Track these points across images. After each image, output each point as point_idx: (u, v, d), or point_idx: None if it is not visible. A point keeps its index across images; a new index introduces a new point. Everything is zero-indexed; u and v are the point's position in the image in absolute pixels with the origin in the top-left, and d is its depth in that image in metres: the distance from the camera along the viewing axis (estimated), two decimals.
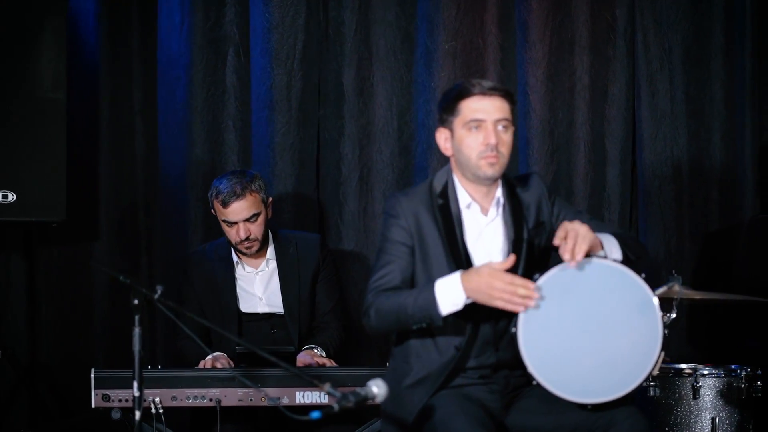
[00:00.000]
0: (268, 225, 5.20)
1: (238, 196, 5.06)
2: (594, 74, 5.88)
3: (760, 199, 5.85)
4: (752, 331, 5.29)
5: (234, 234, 5.11)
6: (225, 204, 5.07)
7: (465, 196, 3.95)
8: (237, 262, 5.22)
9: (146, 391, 4.45)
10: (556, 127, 5.88)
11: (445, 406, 3.77)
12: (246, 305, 5.23)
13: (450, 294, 3.75)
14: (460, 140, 3.90)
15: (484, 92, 3.88)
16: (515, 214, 3.96)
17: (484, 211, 3.96)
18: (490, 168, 3.88)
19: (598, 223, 3.99)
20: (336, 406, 3.43)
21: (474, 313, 3.84)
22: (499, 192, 3.97)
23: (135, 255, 5.91)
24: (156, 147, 5.89)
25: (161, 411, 4.51)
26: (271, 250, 5.24)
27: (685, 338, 5.85)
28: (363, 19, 5.87)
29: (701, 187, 5.89)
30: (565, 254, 3.72)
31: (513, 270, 3.81)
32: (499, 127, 3.88)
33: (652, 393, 4.76)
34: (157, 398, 4.52)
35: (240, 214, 5.08)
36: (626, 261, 3.85)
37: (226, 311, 5.18)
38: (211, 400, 4.55)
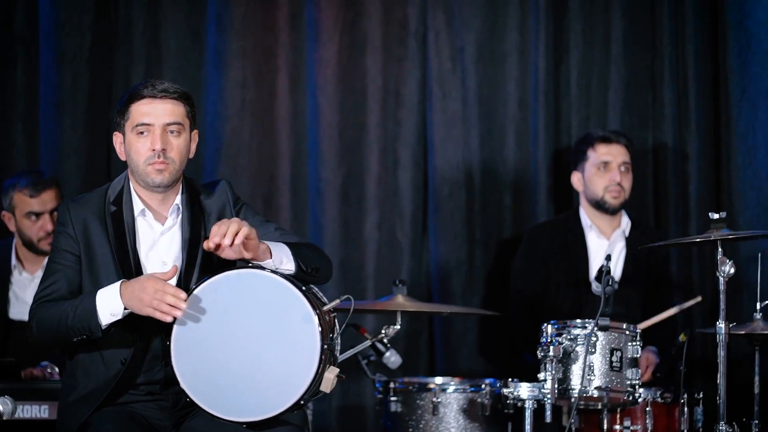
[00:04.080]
0: None
1: (47, 185, 5.08)
2: (386, 75, 5.68)
3: (554, 204, 5.64)
4: (527, 345, 5.09)
5: (37, 228, 5.06)
6: (35, 193, 5.05)
7: (139, 202, 3.79)
8: (15, 265, 5.12)
9: None
10: (346, 129, 5.68)
11: (100, 424, 3.60)
12: (16, 311, 5.13)
13: (109, 303, 3.59)
14: (130, 145, 3.76)
15: (155, 95, 3.73)
16: (194, 221, 3.79)
17: (161, 219, 3.79)
18: (158, 175, 3.72)
19: (283, 234, 3.81)
20: None
21: (142, 325, 3.67)
22: (178, 199, 3.80)
23: None
24: None
25: None
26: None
27: (476, 352, 5.64)
28: (152, 19, 5.72)
29: (494, 193, 5.69)
30: (214, 237, 3.52)
31: (187, 279, 3.68)
32: (170, 132, 3.72)
33: (393, 408, 4.61)
34: None
35: (49, 203, 5.07)
36: (300, 273, 3.66)
37: None
38: None
